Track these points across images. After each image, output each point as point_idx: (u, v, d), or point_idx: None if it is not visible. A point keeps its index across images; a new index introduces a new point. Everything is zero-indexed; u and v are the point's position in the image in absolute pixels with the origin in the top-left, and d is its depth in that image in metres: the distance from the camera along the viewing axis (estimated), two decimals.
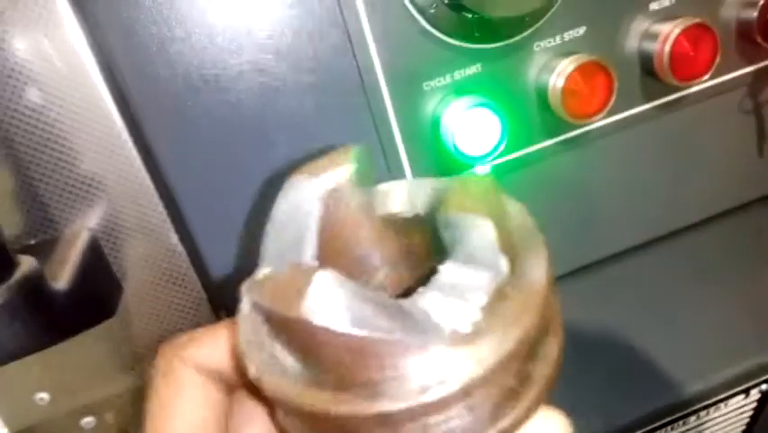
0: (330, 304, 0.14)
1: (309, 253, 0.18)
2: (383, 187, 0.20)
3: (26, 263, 0.29)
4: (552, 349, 0.17)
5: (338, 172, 0.19)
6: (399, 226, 0.20)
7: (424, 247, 0.20)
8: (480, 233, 0.16)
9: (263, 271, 0.18)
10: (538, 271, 0.16)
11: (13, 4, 0.32)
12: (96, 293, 0.35)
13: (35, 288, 0.28)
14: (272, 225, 0.19)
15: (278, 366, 0.16)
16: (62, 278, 0.31)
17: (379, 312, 0.14)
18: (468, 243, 0.16)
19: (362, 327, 0.14)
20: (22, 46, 0.33)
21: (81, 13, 0.33)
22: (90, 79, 0.35)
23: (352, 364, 0.14)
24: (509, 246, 0.16)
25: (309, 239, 0.18)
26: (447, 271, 0.15)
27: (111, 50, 0.32)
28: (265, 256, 0.18)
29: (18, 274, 0.28)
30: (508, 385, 0.15)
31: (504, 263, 0.15)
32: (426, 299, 0.15)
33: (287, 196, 0.19)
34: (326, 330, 0.14)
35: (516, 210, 0.18)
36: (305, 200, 0.19)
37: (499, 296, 0.15)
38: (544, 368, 0.16)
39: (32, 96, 0.34)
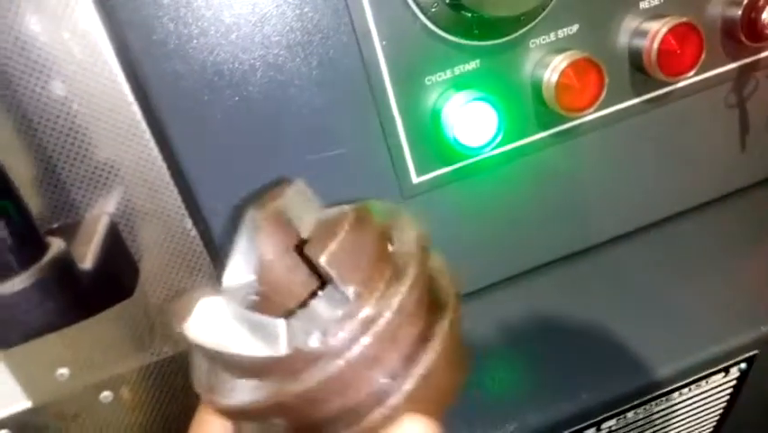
0: (202, 323, 0.18)
1: (246, 279, 0.22)
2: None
3: (56, 245, 0.31)
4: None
5: (274, 206, 0.22)
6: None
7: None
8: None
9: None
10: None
11: (38, 2, 0.34)
12: (116, 274, 0.37)
13: (64, 268, 0.30)
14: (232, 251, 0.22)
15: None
16: (86, 259, 0.33)
17: (243, 329, 0.18)
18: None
19: (222, 340, 0.18)
20: (46, 41, 0.35)
21: (103, 11, 0.35)
22: (110, 73, 0.36)
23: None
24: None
25: (248, 266, 0.22)
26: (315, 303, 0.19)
27: (131, 47, 0.34)
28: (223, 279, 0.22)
29: (49, 255, 0.30)
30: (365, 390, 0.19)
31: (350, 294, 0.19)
32: (283, 324, 0.19)
33: (243, 226, 0.22)
34: (195, 343, 0.18)
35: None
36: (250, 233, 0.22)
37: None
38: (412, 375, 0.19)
39: (56, 88, 0.36)
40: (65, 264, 0.30)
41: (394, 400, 0.19)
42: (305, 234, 0.22)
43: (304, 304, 0.21)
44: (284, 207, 0.21)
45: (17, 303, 0.28)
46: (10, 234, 0.29)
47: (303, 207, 0.22)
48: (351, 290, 0.19)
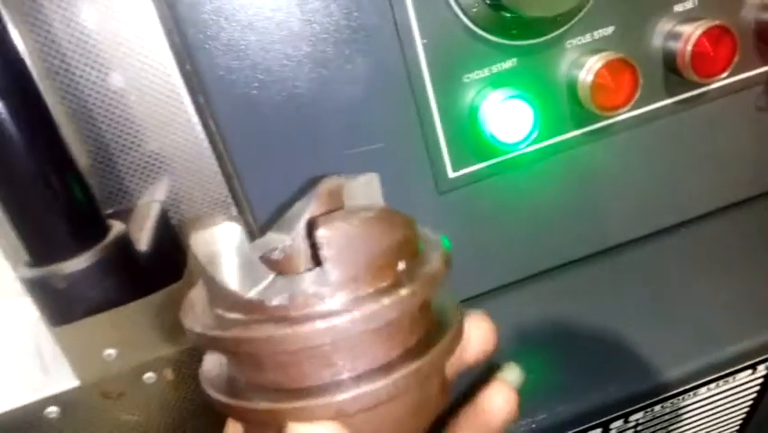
0: (210, 241, 0.19)
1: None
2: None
3: (116, 227, 0.33)
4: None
5: (337, 183, 0.24)
6: None
7: None
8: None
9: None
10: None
11: None
12: (168, 258, 0.39)
13: (124, 248, 0.32)
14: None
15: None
16: (141, 242, 0.35)
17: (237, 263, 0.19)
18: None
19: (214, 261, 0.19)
20: (107, 36, 0.37)
21: (159, 8, 0.37)
22: (165, 67, 0.39)
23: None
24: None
25: None
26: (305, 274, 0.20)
27: (188, 42, 0.36)
28: None
29: (111, 236, 0.32)
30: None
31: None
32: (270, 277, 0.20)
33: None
34: (192, 251, 0.19)
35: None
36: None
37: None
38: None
39: (115, 80, 0.38)
40: (125, 245, 0.32)
41: (321, 401, 0.19)
42: None
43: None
44: (346, 188, 0.22)
45: (82, 280, 0.30)
46: (77, 216, 0.31)
47: (363, 195, 0.22)
48: (333, 276, 0.19)
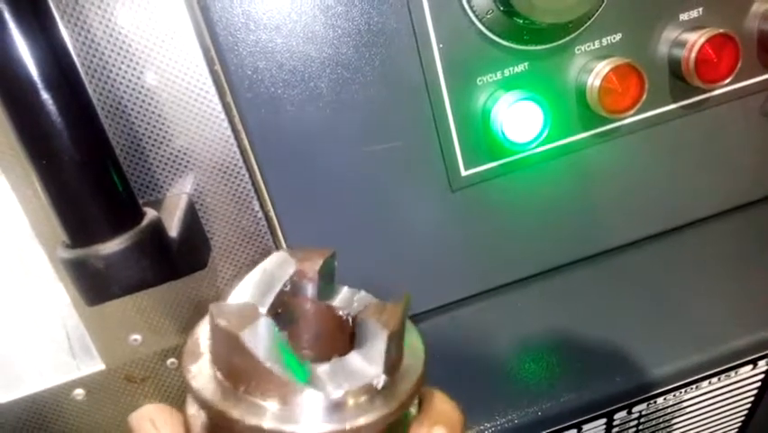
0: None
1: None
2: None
3: (151, 213, 0.35)
4: None
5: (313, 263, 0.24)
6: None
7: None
8: (377, 341, 0.20)
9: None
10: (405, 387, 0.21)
11: None
12: (194, 246, 0.41)
13: (158, 232, 0.35)
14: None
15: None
16: (172, 229, 0.37)
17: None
18: (368, 345, 0.20)
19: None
20: (144, 36, 0.39)
21: (191, 9, 0.39)
22: (196, 66, 0.41)
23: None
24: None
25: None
26: (349, 358, 0.20)
27: (219, 42, 0.38)
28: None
29: (146, 221, 0.34)
30: None
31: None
32: (322, 368, 0.20)
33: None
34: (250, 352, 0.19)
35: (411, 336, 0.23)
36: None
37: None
38: None
39: (150, 78, 0.40)
40: (159, 230, 0.35)
41: None
42: (339, 303, 0.24)
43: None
44: (319, 268, 0.23)
45: (119, 260, 0.33)
46: (116, 202, 0.33)
47: (330, 275, 0.24)
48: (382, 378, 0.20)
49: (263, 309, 0.22)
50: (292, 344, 0.25)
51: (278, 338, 0.20)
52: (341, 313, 0.24)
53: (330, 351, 0.23)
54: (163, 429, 0.23)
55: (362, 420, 0.19)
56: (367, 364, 0.20)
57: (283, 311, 0.24)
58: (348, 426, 0.19)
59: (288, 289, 0.23)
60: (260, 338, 0.19)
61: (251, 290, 0.22)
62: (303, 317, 0.25)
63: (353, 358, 0.20)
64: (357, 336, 0.21)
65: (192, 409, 0.21)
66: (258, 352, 0.19)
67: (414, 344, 0.23)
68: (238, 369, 0.20)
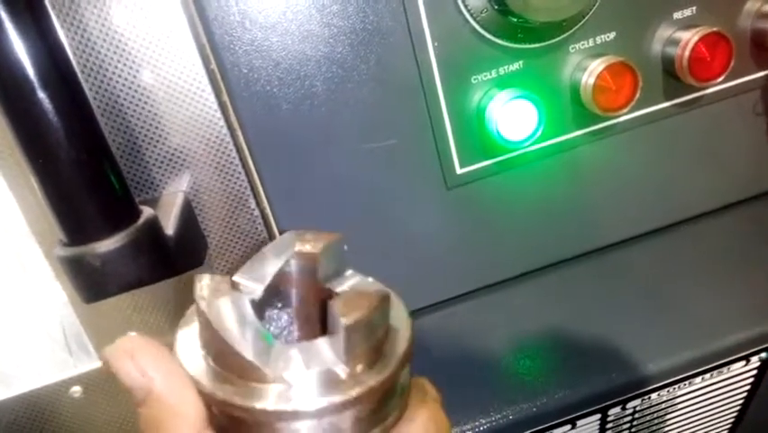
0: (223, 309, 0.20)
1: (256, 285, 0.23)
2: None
3: (147, 211, 0.35)
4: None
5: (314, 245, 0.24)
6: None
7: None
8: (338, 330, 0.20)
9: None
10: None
11: None
12: (191, 244, 0.41)
13: (155, 230, 0.35)
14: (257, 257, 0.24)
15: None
16: (168, 227, 0.37)
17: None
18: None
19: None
20: (140, 35, 0.40)
21: (187, 9, 0.39)
22: (192, 64, 0.41)
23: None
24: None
25: None
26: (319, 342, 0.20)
27: (215, 41, 0.38)
28: None
29: (142, 218, 0.34)
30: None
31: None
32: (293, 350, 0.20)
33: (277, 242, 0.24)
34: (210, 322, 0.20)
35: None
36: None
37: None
38: None
39: (146, 76, 0.40)
40: (155, 227, 0.35)
41: None
42: (335, 287, 0.23)
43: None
44: (321, 250, 0.23)
45: (116, 258, 0.33)
46: (112, 200, 0.33)
47: (336, 258, 0.24)
48: (343, 369, 0.20)
49: (261, 287, 0.23)
50: (289, 323, 0.25)
51: (245, 314, 0.20)
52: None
53: (319, 333, 0.24)
54: (150, 368, 0.21)
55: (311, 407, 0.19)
56: (329, 351, 0.20)
57: (283, 290, 0.24)
58: (291, 408, 0.19)
59: (290, 269, 0.24)
60: (223, 313, 0.20)
61: (254, 268, 0.23)
62: (299, 298, 0.25)
63: (321, 343, 0.20)
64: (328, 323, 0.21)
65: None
66: (217, 324, 0.20)
67: (400, 317, 0.23)
68: (205, 339, 0.21)
